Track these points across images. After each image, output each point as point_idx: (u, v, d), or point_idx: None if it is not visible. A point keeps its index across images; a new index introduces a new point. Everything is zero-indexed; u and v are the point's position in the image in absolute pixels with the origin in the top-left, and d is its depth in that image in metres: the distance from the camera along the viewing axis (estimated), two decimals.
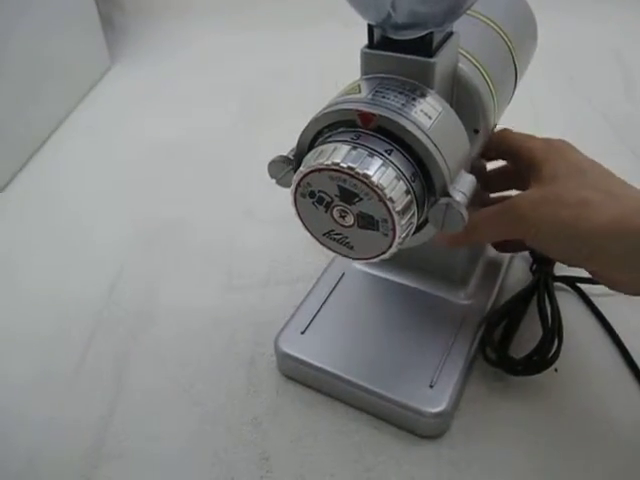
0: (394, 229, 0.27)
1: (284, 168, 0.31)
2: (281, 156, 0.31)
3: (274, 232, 0.56)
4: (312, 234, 0.30)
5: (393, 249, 0.28)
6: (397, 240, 0.27)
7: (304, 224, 0.30)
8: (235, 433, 0.39)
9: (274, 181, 0.32)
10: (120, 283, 0.51)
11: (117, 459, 0.38)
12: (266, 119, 0.75)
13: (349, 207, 0.27)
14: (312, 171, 0.27)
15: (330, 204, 0.28)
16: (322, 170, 0.26)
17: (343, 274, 0.46)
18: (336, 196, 0.27)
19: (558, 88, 0.75)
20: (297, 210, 0.29)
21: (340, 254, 0.30)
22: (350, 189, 0.26)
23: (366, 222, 0.28)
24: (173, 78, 0.86)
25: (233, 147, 0.70)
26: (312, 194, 0.28)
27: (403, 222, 0.27)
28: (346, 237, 0.29)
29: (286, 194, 0.57)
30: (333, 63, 0.83)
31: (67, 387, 0.43)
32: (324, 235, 0.30)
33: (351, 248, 0.29)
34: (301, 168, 0.27)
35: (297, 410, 0.40)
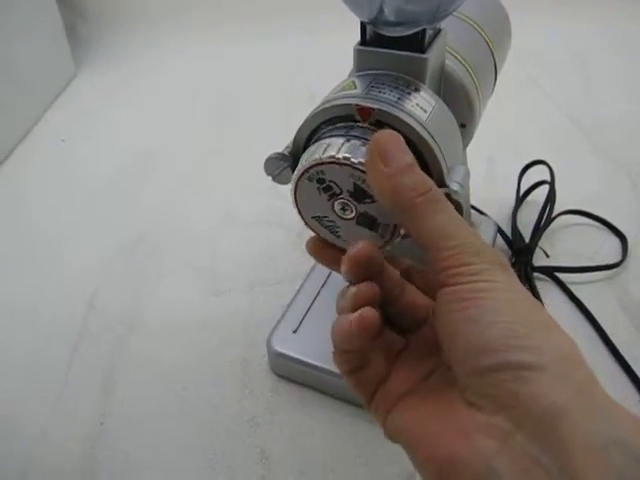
0: (393, 235, 0.28)
1: (280, 165, 0.31)
2: (277, 153, 0.31)
3: (256, 234, 0.56)
4: (301, 214, 0.30)
5: (387, 248, 0.28)
6: (393, 243, 0.28)
7: (296, 203, 0.29)
8: (233, 435, 0.39)
9: (270, 179, 0.32)
10: (102, 294, 0.50)
11: (113, 468, 0.37)
12: (239, 120, 0.75)
13: (356, 204, 0.28)
14: (333, 162, 0.26)
15: (336, 195, 0.28)
16: (344, 165, 0.26)
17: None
18: (348, 191, 0.27)
19: (523, 89, 0.77)
20: (295, 189, 0.29)
21: (324, 237, 0.30)
22: (365, 189, 0.27)
23: (366, 221, 0.28)
24: (139, 83, 0.85)
25: (207, 150, 0.69)
26: (321, 180, 0.28)
27: (403, 231, 0.27)
28: (337, 227, 0.29)
29: (265, 195, 0.58)
30: (301, 64, 0.84)
31: (56, 400, 0.42)
32: (313, 218, 0.30)
33: (338, 237, 0.30)
34: (323, 156, 0.27)
35: (293, 408, 0.40)
